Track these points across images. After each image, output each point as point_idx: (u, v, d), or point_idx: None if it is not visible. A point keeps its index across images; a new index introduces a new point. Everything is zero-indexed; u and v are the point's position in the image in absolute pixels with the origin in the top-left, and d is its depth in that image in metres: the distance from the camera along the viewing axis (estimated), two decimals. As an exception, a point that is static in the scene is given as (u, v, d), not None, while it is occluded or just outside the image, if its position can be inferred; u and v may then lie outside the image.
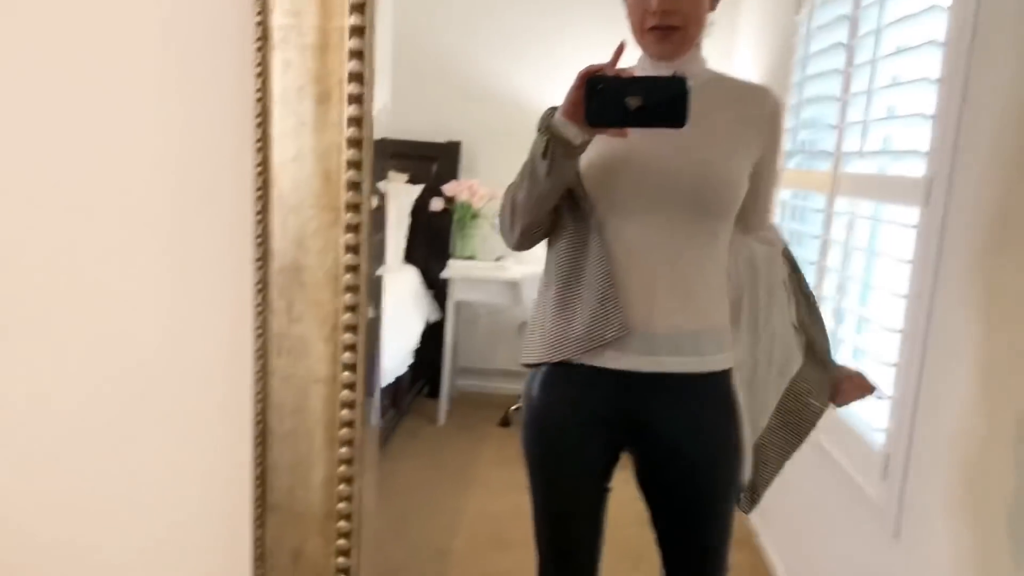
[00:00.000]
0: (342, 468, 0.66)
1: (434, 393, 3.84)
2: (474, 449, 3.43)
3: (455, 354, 3.96)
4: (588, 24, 3.63)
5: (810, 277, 2.39)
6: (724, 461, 1.42)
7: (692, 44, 1.36)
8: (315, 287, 0.65)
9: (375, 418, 0.77)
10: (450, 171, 4.04)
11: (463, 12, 4.02)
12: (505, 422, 3.72)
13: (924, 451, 1.63)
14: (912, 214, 1.73)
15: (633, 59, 1.47)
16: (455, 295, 3.76)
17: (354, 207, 0.65)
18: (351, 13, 0.62)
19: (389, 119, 0.70)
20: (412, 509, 2.83)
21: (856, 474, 1.90)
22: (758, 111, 1.41)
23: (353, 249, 0.65)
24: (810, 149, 2.49)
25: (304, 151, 0.66)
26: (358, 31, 0.62)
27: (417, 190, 3.89)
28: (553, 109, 1.24)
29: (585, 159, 1.30)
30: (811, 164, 2.49)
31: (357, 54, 0.62)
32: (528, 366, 1.45)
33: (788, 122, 2.64)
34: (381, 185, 0.69)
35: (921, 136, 1.72)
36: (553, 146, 1.22)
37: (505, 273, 3.69)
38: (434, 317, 3.87)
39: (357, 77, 0.63)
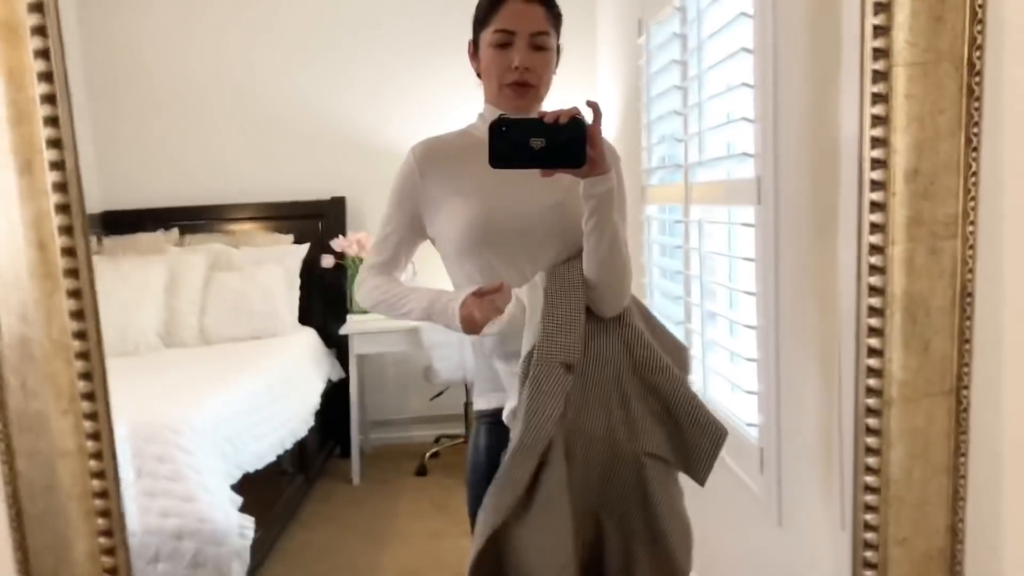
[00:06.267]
0: (103, 540, 0.65)
1: (347, 452, 3.77)
2: (390, 504, 3.38)
3: (364, 409, 3.90)
4: (452, 72, 3.69)
5: (679, 287, 2.47)
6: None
7: (541, 102, 1.48)
8: (45, 359, 0.64)
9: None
10: (339, 226, 4.04)
11: (332, 73, 4.06)
12: (421, 471, 3.68)
13: (792, 442, 1.68)
14: (752, 214, 1.80)
15: (471, 116, 1.52)
16: (356, 350, 3.73)
17: (72, 273, 0.64)
18: (40, 82, 0.62)
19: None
20: (327, 575, 2.76)
21: (739, 470, 1.94)
22: None
23: (77, 315, 0.64)
24: (668, 164, 2.58)
25: (13, 223, 0.65)
26: (49, 99, 0.62)
27: (303, 249, 3.86)
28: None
29: (461, 222, 1.46)
30: (671, 178, 2.58)
31: (52, 121, 0.62)
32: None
33: (644, 140, 2.73)
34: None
35: (751, 139, 1.80)
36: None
37: (403, 321, 3.67)
38: (336, 376, 3.81)
39: (55, 143, 0.62)
